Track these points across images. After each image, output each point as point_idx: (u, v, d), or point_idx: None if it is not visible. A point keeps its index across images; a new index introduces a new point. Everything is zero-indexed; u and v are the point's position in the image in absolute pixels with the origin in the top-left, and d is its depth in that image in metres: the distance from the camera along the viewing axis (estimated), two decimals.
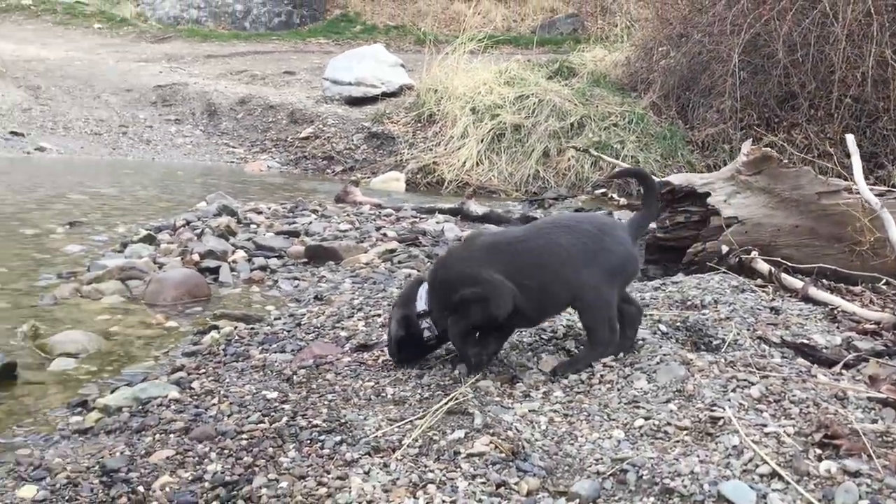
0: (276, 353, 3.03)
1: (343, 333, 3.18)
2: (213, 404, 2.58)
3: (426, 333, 2.65)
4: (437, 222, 6.10)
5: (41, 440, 2.48)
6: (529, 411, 2.33)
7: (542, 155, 9.20)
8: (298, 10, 17.35)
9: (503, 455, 2.08)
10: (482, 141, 9.39)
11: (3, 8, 16.55)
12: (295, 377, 2.74)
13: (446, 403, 2.35)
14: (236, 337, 3.30)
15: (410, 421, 2.29)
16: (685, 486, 1.89)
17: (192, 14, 16.92)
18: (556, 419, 2.29)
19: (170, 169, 9.50)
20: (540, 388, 2.50)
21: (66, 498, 2.09)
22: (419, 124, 10.29)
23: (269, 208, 6.28)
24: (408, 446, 2.14)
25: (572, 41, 14.07)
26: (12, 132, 10.13)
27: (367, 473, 2.03)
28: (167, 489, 2.07)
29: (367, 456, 2.11)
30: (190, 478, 2.12)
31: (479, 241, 2.72)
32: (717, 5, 9.12)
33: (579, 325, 2.87)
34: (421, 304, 2.64)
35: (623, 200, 7.74)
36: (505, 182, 9.06)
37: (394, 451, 2.13)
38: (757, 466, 1.96)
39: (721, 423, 2.17)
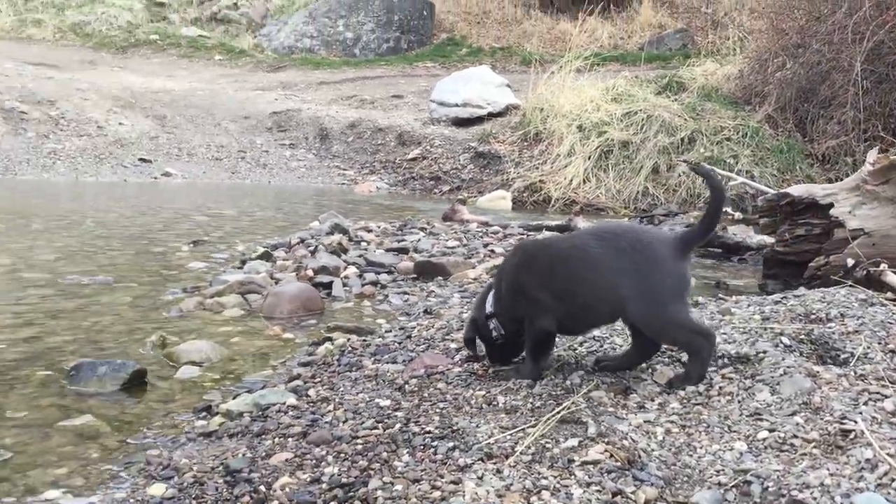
0: (387, 363, 3.07)
1: (453, 345, 3.20)
2: (329, 411, 2.64)
3: (493, 333, 2.77)
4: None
5: (169, 442, 2.60)
6: (645, 422, 2.27)
7: (651, 171, 9.04)
8: (406, 36, 17.75)
9: (619, 464, 2.04)
10: (589, 158, 9.31)
11: (133, 43, 17.65)
12: (407, 386, 2.77)
13: (559, 412, 2.32)
14: (349, 348, 3.37)
15: (522, 429, 2.28)
16: (815, 499, 1.80)
17: (305, 43, 17.57)
18: (673, 430, 2.23)
19: (285, 191, 9.85)
20: (655, 400, 2.44)
21: (193, 496, 2.17)
22: (525, 143, 10.31)
23: (379, 227, 6.41)
24: (521, 453, 2.13)
25: (682, 56, 13.80)
26: (141, 159, 10.77)
27: (480, 478, 2.03)
28: (287, 489, 2.13)
29: (480, 462, 2.11)
30: (308, 479, 2.17)
31: (527, 248, 2.87)
32: (837, 13, 8.75)
33: None
34: (488, 306, 2.78)
35: (738, 215, 7.50)
36: (613, 199, 8.94)
37: (507, 457, 2.12)
38: (893, 480, 1.85)
39: (852, 436, 2.06)
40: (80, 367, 3.14)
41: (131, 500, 2.18)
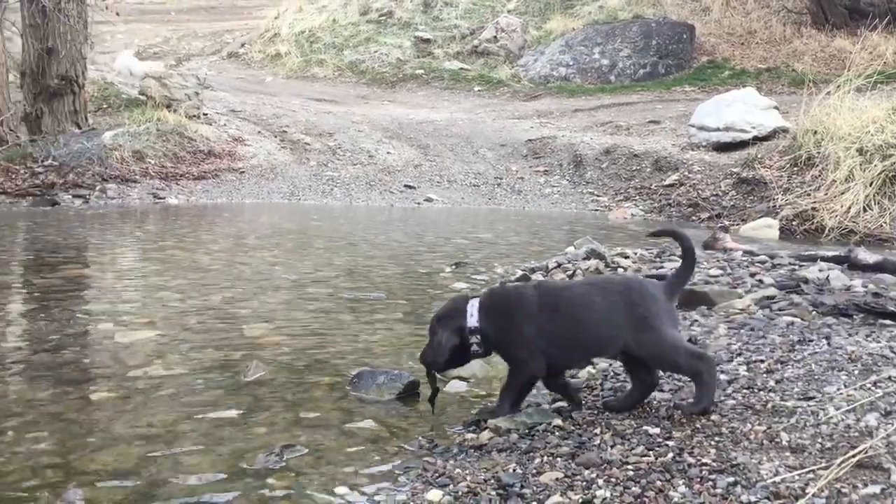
0: (655, 391, 3.00)
1: (723, 377, 3.05)
2: (596, 434, 2.63)
3: (474, 348, 2.89)
4: (821, 270, 5.60)
5: (442, 451, 2.72)
6: None
7: None
8: (664, 61, 17.36)
9: None
10: (871, 184, 8.49)
11: (401, 78, 18.91)
12: (676, 415, 2.69)
13: (855, 455, 2.13)
14: (612, 373, 3.35)
15: (812, 470, 2.11)
16: None
17: (560, 72, 17.79)
18: None
19: (539, 217, 10.00)
20: None
21: None
22: (795, 168, 9.63)
23: (636, 253, 6.29)
24: (813, 495, 1.97)
25: None
26: (406, 185, 11.48)
27: None
28: None
29: (766, 500, 1.99)
30: (580, 500, 2.17)
31: (530, 285, 3.07)
32: None
33: None
34: (472, 321, 2.86)
35: None
36: None
37: (796, 499, 1.98)
38: None
39: None
40: (362, 376, 3.40)
41: (412, 503, 2.31)
